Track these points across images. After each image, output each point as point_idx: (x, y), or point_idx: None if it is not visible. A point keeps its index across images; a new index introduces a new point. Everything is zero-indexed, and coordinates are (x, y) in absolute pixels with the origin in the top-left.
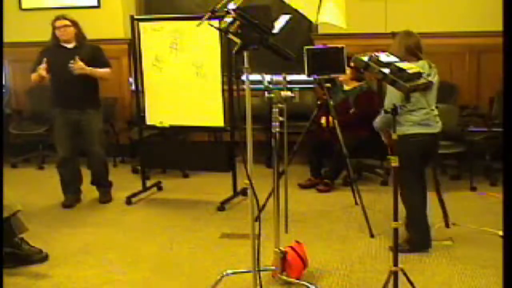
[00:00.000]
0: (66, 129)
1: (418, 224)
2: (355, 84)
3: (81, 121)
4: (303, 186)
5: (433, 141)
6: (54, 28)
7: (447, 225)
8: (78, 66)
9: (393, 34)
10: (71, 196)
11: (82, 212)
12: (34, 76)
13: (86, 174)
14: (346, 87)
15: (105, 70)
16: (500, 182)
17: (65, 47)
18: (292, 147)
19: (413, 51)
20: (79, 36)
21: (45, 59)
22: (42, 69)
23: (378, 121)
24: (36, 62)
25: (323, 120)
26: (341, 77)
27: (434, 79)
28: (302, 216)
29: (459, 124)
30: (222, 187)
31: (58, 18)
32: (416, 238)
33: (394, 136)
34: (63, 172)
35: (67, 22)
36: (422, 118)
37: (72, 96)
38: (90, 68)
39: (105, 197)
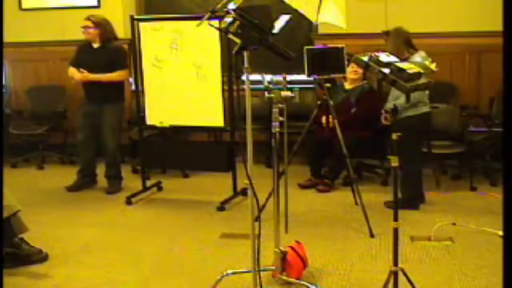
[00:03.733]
0: (86, 119)
1: (415, 189)
2: (357, 83)
3: (98, 115)
4: (303, 186)
5: None
6: (82, 27)
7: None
8: (78, 77)
9: (386, 33)
10: (77, 180)
11: (82, 212)
12: (71, 70)
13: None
14: (347, 86)
15: (114, 74)
16: (500, 182)
17: (92, 46)
18: (292, 147)
19: (409, 42)
20: (103, 37)
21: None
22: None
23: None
24: (72, 57)
25: (323, 119)
26: (350, 76)
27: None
28: (302, 216)
29: (459, 124)
30: (222, 187)
31: (86, 18)
32: (407, 199)
33: (394, 137)
34: (80, 155)
35: (89, 23)
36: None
37: (91, 91)
38: (94, 75)
39: (111, 188)
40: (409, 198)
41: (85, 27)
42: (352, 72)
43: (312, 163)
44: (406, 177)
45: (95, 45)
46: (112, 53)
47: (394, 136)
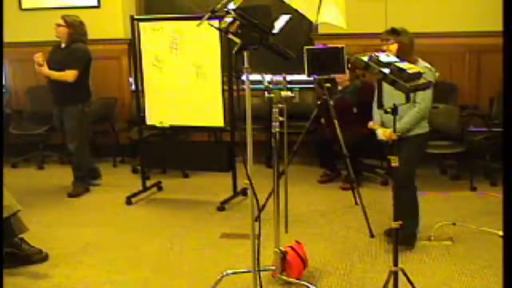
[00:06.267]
0: (56, 121)
1: (416, 219)
2: (346, 83)
3: (61, 116)
4: (321, 182)
5: None
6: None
7: None
8: (40, 71)
9: (397, 32)
10: (76, 185)
11: (82, 212)
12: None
13: None
14: (340, 87)
15: (61, 73)
16: (500, 182)
17: (60, 46)
18: (292, 147)
19: (413, 47)
20: (70, 37)
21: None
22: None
23: (410, 121)
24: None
25: (322, 120)
26: (338, 78)
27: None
28: (302, 216)
29: (459, 124)
30: (222, 187)
31: (61, 16)
32: (410, 233)
33: (394, 136)
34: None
35: (61, 22)
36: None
37: (53, 91)
38: (48, 71)
39: (73, 190)
40: (411, 231)
41: (57, 24)
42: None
43: (322, 159)
44: (411, 203)
45: (63, 45)
46: (70, 52)
47: (394, 136)
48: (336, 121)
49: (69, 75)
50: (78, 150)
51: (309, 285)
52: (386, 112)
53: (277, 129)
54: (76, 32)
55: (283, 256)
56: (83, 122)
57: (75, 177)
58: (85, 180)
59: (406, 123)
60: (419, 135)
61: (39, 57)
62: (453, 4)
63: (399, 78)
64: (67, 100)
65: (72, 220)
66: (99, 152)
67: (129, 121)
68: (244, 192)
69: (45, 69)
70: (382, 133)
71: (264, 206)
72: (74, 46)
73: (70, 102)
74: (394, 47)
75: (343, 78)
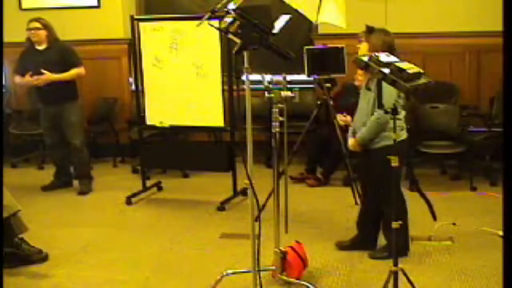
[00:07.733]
0: (48, 122)
1: (404, 229)
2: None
3: (59, 115)
4: (293, 178)
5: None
6: (27, 30)
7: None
8: (42, 80)
9: (370, 30)
10: (53, 180)
11: (82, 212)
12: (18, 79)
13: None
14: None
15: (74, 72)
16: (500, 182)
17: (37, 49)
18: (292, 147)
19: (391, 48)
20: (50, 38)
21: (30, 73)
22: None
23: (368, 130)
24: (17, 63)
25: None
26: (357, 82)
27: None
28: (302, 216)
29: (459, 124)
30: (222, 187)
31: (31, 20)
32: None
33: (394, 136)
34: (53, 157)
35: (38, 25)
36: (403, 121)
37: (47, 92)
38: (57, 76)
39: (84, 188)
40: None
41: (33, 28)
42: (358, 78)
43: (309, 159)
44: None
45: (41, 47)
46: (62, 52)
47: (394, 136)
48: (336, 122)
49: (81, 71)
50: (83, 144)
51: (309, 285)
52: (386, 112)
53: (277, 129)
54: (52, 33)
55: (283, 256)
56: (82, 117)
57: (79, 174)
58: (90, 176)
59: (365, 132)
60: (386, 147)
61: (28, 81)
62: (453, 4)
63: (399, 78)
64: (67, 97)
65: (72, 220)
66: (99, 152)
67: (129, 121)
68: (244, 192)
69: (50, 75)
70: (350, 143)
71: (264, 206)
72: (61, 46)
73: (70, 99)
74: (364, 46)
75: (361, 78)
